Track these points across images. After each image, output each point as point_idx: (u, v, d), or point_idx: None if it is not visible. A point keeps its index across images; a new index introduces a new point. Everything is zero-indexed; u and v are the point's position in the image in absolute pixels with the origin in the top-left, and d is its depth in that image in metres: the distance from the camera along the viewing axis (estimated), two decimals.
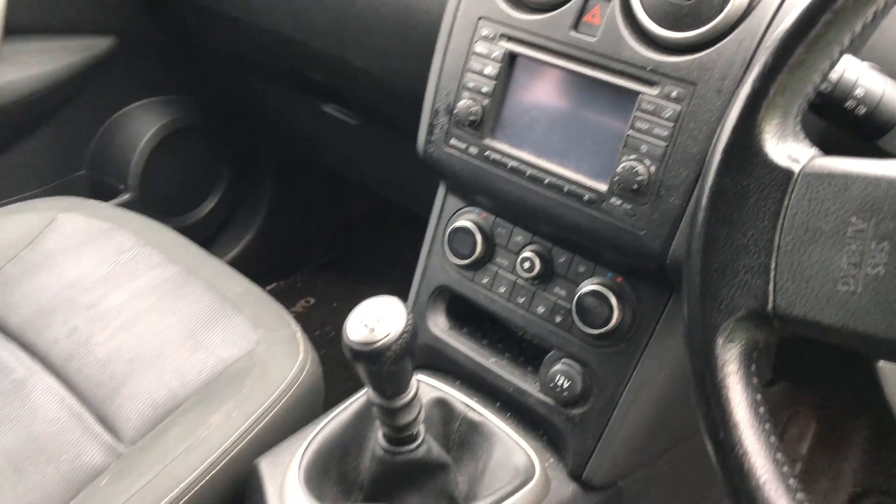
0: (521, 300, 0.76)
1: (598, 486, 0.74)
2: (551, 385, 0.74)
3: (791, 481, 0.40)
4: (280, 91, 1.23)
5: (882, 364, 0.44)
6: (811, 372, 0.87)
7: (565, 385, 0.73)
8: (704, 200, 0.42)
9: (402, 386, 0.65)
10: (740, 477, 0.40)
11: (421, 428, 0.71)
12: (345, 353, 0.62)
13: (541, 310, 0.75)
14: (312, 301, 1.58)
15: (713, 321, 0.42)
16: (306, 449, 0.72)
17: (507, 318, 0.78)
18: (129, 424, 0.80)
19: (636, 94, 0.64)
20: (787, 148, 0.41)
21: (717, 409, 0.41)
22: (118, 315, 0.91)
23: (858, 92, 0.47)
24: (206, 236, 1.42)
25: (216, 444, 0.75)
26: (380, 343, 0.60)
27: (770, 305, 0.40)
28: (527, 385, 0.76)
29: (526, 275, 0.75)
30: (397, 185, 1.25)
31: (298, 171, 1.50)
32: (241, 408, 0.79)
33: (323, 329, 1.47)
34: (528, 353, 0.79)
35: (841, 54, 0.40)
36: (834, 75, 0.48)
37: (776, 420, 1.09)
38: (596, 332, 0.70)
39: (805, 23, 0.39)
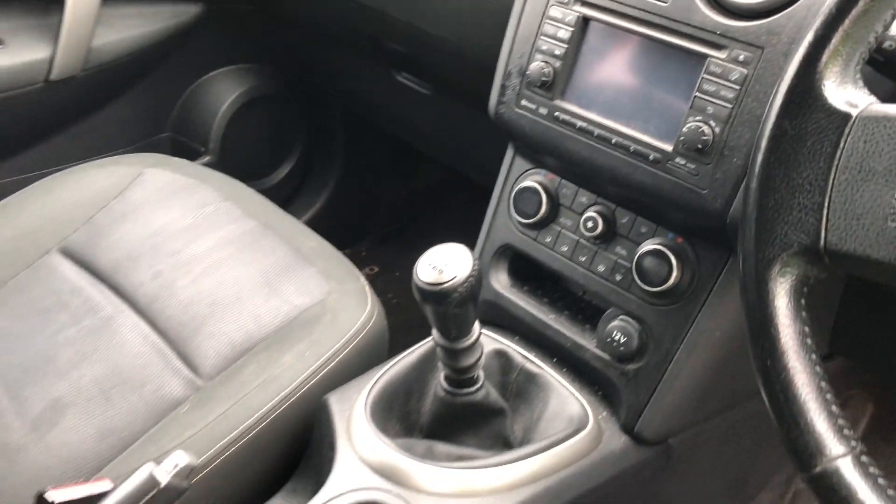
0: (583, 259, 0.79)
1: (649, 440, 0.76)
2: (608, 340, 0.77)
3: (834, 408, 0.42)
4: (356, 60, 1.27)
5: None
6: (871, 347, 0.87)
7: (622, 341, 0.76)
8: (764, 142, 0.45)
9: (466, 328, 0.69)
10: (785, 401, 0.43)
11: (480, 373, 0.74)
12: (414, 294, 0.66)
13: (601, 268, 0.78)
14: (376, 269, 1.63)
15: (767, 255, 0.44)
16: (372, 387, 0.76)
17: (568, 277, 0.81)
18: (208, 361, 0.86)
19: (705, 57, 0.66)
20: (846, 93, 0.43)
21: (766, 337, 0.44)
22: (200, 262, 0.97)
23: None
24: (279, 202, 1.48)
25: (288, 381, 0.80)
26: (447, 284, 0.64)
27: (822, 242, 0.43)
28: (584, 341, 0.79)
29: (588, 234, 0.78)
30: (464, 155, 1.28)
31: (369, 141, 1.55)
32: (312, 349, 0.84)
33: (385, 297, 1.52)
34: (586, 311, 0.82)
35: None
36: None
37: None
38: (654, 290, 0.73)
39: None
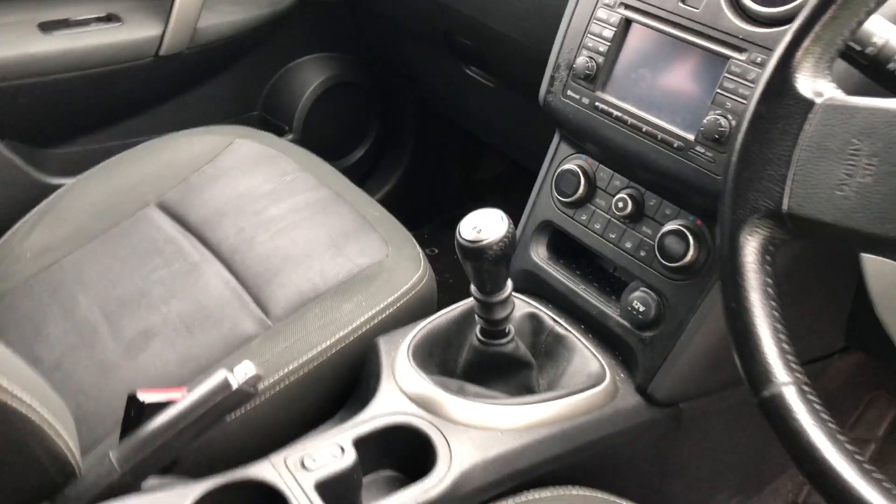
0: (613, 236, 0.88)
1: (659, 401, 0.85)
2: (629, 309, 0.85)
3: (785, 346, 0.51)
4: (429, 54, 1.38)
5: (863, 255, 0.54)
6: (885, 340, 0.93)
7: (641, 310, 0.84)
8: (745, 124, 0.53)
9: (499, 284, 0.79)
10: (744, 335, 0.51)
11: (511, 328, 0.84)
12: (457, 251, 0.77)
13: (628, 245, 0.86)
14: (437, 251, 1.74)
15: (739, 217, 0.53)
16: (417, 334, 0.87)
17: (599, 251, 0.90)
18: (278, 306, 0.98)
19: (727, 58, 0.75)
20: (815, 85, 0.51)
21: (734, 284, 0.52)
22: (277, 222, 1.09)
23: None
24: (353, 181, 1.60)
25: (345, 325, 0.91)
26: (483, 243, 0.74)
27: (785, 207, 0.51)
28: (608, 309, 0.88)
29: (619, 214, 0.87)
30: (525, 146, 1.38)
31: (438, 131, 1.66)
32: (369, 301, 0.95)
33: (443, 276, 1.63)
34: (612, 283, 0.91)
35: (867, 15, 0.50)
36: (879, 41, 0.57)
37: (856, 399, 1.16)
38: (673, 265, 0.81)
39: None
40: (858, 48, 0.57)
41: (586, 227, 0.91)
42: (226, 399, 0.72)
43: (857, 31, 0.52)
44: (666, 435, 0.88)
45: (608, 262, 0.90)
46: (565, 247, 0.95)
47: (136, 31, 1.31)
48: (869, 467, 0.47)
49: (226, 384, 0.72)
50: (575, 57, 0.87)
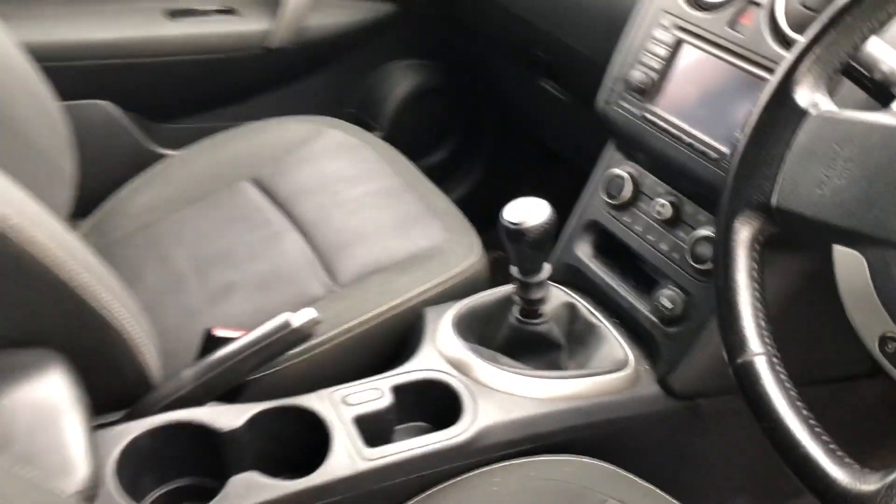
0: (651, 238, 0.95)
1: (678, 393, 0.91)
2: (658, 305, 0.92)
3: (762, 322, 0.58)
4: (509, 65, 1.48)
5: (835, 247, 0.60)
6: None
7: (669, 307, 0.91)
8: (748, 128, 0.61)
9: (537, 267, 0.88)
10: (727, 309, 0.58)
11: (546, 310, 0.92)
12: (499, 233, 0.86)
13: (663, 247, 0.94)
14: (503, 255, 1.82)
15: (734, 208, 0.60)
16: (461, 307, 0.96)
17: (637, 251, 0.97)
18: (344, 274, 1.09)
19: (765, 80, 0.81)
20: (812, 98, 0.58)
21: (724, 266, 0.60)
22: (352, 203, 1.20)
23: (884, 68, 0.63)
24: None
25: (400, 294, 1.01)
26: (525, 226, 0.83)
27: (773, 201, 0.58)
28: (639, 304, 0.95)
29: (659, 218, 0.94)
30: (594, 160, 1.45)
31: (514, 141, 1.75)
32: (423, 276, 1.04)
33: (507, 280, 1.72)
34: (645, 281, 0.98)
35: (863, 40, 0.57)
36: (885, 68, 0.63)
37: (884, 424, 1.17)
38: (701, 267, 0.88)
39: (834, 17, 0.57)
40: (867, 73, 0.64)
41: (629, 228, 0.98)
42: (286, 336, 0.84)
43: (861, 56, 0.59)
44: (683, 427, 0.94)
45: (643, 261, 0.98)
46: (607, 245, 1.02)
47: (249, 24, 1.46)
48: (819, 430, 0.53)
49: (286, 324, 0.83)
50: (631, 71, 0.95)
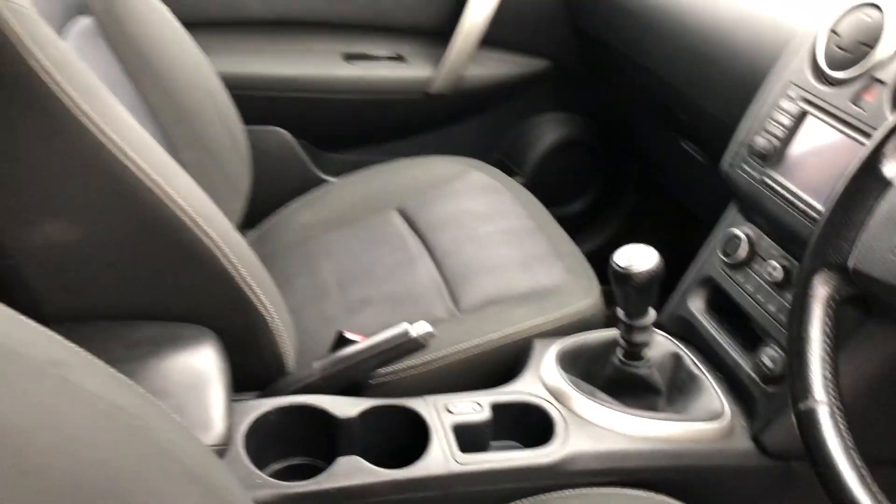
0: (761, 298, 0.98)
1: (770, 452, 0.93)
2: (760, 364, 0.95)
3: (828, 374, 0.61)
4: (651, 124, 1.54)
5: None
6: None
7: (770, 366, 0.94)
8: (836, 193, 0.65)
9: (642, 311, 0.93)
10: (798, 357, 0.62)
11: (650, 355, 0.97)
12: (609, 275, 0.92)
13: (771, 308, 0.96)
14: None
15: (815, 265, 0.64)
16: (568, 342, 1.03)
17: (746, 310, 1.00)
18: (467, 301, 1.18)
19: None
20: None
21: (799, 317, 0.63)
22: (484, 238, 1.30)
23: None
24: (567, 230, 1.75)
25: (513, 323, 1.09)
26: (632, 270, 0.89)
27: (850, 263, 0.61)
28: (742, 361, 0.98)
29: (770, 279, 0.97)
30: None
31: (654, 199, 1.80)
32: (539, 311, 1.11)
33: None
34: (750, 339, 1.00)
35: None
36: None
37: None
38: None
39: None
40: None
41: (741, 287, 1.01)
42: (402, 343, 0.93)
43: None
44: (772, 486, 0.95)
45: (751, 320, 1.00)
46: (718, 301, 1.06)
47: (414, 71, 1.61)
48: (869, 480, 0.56)
49: (404, 333, 0.93)
50: (755, 136, 0.99)
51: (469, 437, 0.89)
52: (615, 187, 1.83)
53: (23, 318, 0.55)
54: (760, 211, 0.99)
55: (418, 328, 0.94)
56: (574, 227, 1.71)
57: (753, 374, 0.96)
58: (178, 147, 1.20)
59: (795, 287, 0.66)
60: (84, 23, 1.11)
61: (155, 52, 1.19)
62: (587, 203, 1.82)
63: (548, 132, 1.75)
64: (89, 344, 0.57)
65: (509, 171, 1.72)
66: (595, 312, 1.16)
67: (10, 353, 0.51)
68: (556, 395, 0.95)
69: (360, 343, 0.96)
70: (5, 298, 0.84)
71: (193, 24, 1.31)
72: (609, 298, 1.21)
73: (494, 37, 1.59)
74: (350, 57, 1.60)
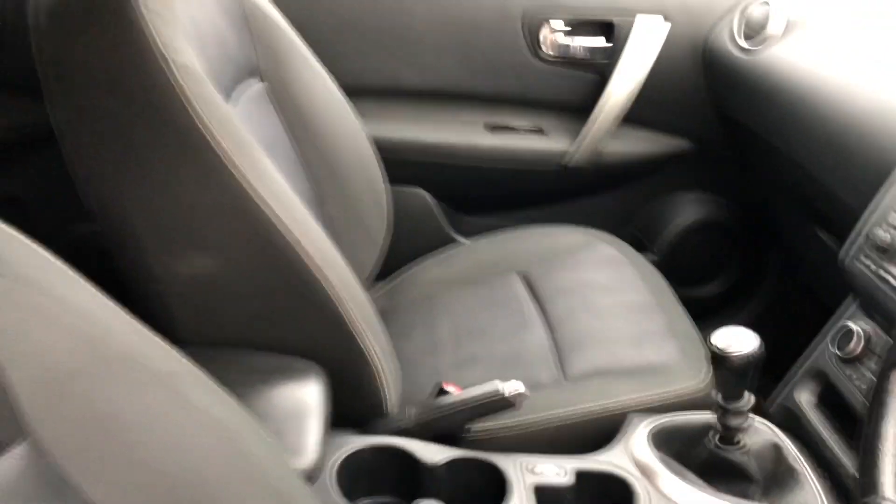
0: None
1: None
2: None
3: None
4: (790, 210, 1.50)
5: None
6: None
7: None
8: None
9: (738, 394, 0.92)
10: (869, 454, 0.60)
11: (748, 442, 0.95)
12: (709, 353, 0.92)
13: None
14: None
15: (893, 360, 0.62)
16: (664, 419, 1.02)
17: (854, 406, 0.96)
18: (573, 369, 1.20)
19: None
20: None
21: (875, 413, 0.62)
22: (600, 309, 1.32)
23: None
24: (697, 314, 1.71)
25: (614, 396, 1.10)
26: (729, 352, 0.89)
27: None
28: (846, 459, 0.94)
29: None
30: None
31: (790, 287, 1.73)
32: (643, 387, 1.12)
33: None
34: (856, 437, 0.95)
35: None
36: None
37: None
38: None
39: None
40: None
41: (851, 382, 0.97)
42: (493, 400, 0.97)
43: None
44: None
45: (859, 419, 0.96)
46: (826, 395, 1.02)
47: (552, 143, 1.66)
48: None
49: (496, 390, 0.97)
50: (876, 229, 0.96)
51: (549, 500, 0.91)
52: (750, 273, 1.78)
53: (150, 333, 0.65)
54: (876, 306, 0.95)
55: (510, 387, 0.97)
56: (703, 310, 1.68)
57: (856, 473, 0.91)
58: (325, 199, 1.33)
59: (877, 383, 0.64)
60: (255, 85, 1.25)
61: (314, 114, 1.33)
62: (720, 287, 1.78)
63: (685, 211, 1.74)
64: (211, 365, 0.66)
65: (642, 247, 1.72)
66: (700, 395, 1.14)
67: (135, 362, 0.60)
68: (644, 471, 0.95)
69: (455, 395, 1.01)
70: (147, 317, 0.96)
71: (352, 91, 1.44)
72: None
73: (635, 114, 1.62)
74: (493, 128, 1.68)
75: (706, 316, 1.67)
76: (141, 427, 0.57)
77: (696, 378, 1.15)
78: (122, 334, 0.59)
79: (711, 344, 0.90)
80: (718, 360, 0.90)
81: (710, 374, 1.17)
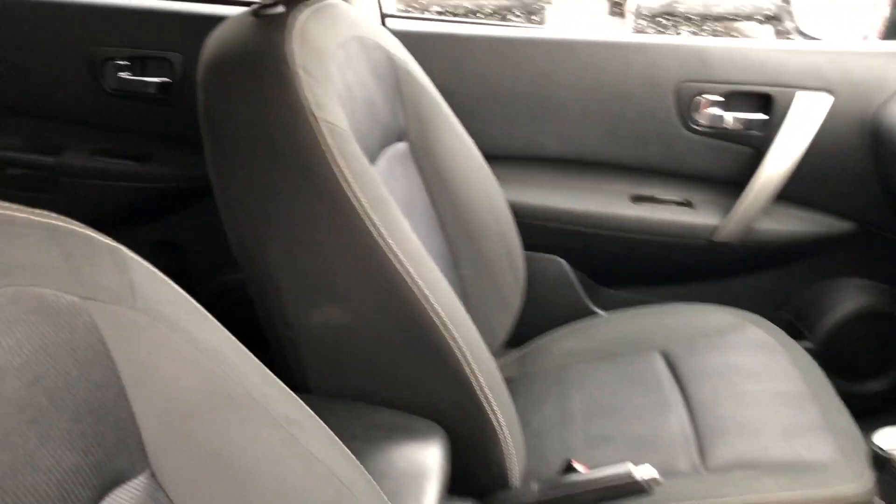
0: None
1: None
2: None
3: None
4: None
5: None
6: None
7: None
8: None
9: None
10: None
11: None
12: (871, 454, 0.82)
13: None
14: None
15: None
16: None
17: None
18: (715, 459, 1.11)
19: None
20: None
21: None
22: (748, 396, 1.22)
23: None
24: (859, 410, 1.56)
25: (760, 492, 1.00)
26: (892, 454, 0.79)
27: None
28: None
29: None
30: None
31: None
32: (792, 485, 1.02)
33: None
34: None
35: None
36: None
37: None
38: None
39: None
40: None
41: None
42: (624, 484, 0.91)
43: None
44: None
45: None
46: None
47: (700, 217, 1.59)
48: None
49: (627, 473, 0.91)
50: None
51: None
52: None
53: (275, 378, 0.65)
54: None
55: (643, 471, 0.91)
56: (865, 407, 1.53)
57: None
58: (460, 260, 1.32)
59: None
60: (400, 146, 1.28)
61: (453, 176, 1.34)
62: (885, 384, 1.62)
63: (847, 298, 1.61)
64: (334, 417, 0.65)
65: (797, 334, 1.60)
66: (860, 502, 1.02)
67: (255, 404, 0.60)
68: None
69: (583, 474, 0.95)
70: (279, 364, 0.98)
71: (493, 156, 1.44)
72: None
73: (793, 191, 1.53)
74: (638, 198, 1.63)
75: (868, 415, 1.52)
76: (254, 468, 0.57)
77: (856, 481, 1.03)
78: (246, 376, 0.59)
79: (874, 444, 0.81)
80: (879, 461, 0.80)
81: (873, 478, 1.05)
